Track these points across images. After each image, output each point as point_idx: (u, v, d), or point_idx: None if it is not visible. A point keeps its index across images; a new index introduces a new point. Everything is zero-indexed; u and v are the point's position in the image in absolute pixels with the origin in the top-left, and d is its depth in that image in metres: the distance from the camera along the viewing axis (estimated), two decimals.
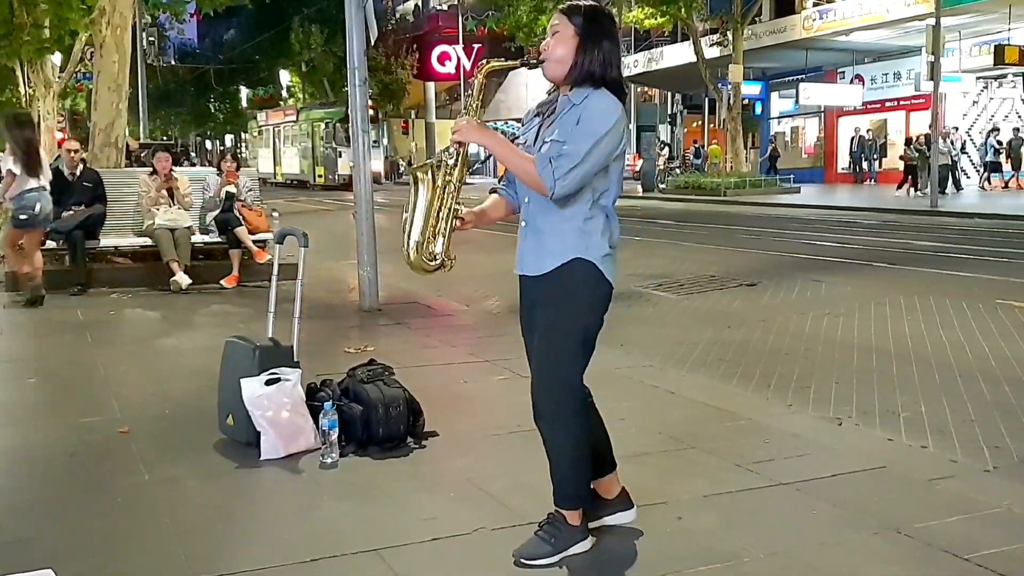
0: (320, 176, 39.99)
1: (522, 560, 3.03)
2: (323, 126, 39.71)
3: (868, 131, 31.02)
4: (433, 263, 3.03)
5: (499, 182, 3.21)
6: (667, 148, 37.63)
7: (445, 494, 3.71)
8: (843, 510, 3.48)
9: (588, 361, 3.04)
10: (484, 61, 3.10)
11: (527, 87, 49.71)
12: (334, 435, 4.02)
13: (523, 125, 3.15)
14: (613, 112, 2.89)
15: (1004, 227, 14.80)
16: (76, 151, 9.60)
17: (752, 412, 4.86)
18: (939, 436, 4.69)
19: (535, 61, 3.02)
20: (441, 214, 3.01)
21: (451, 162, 2.99)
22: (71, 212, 9.16)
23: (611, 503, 3.25)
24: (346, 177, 30.55)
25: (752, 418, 4.73)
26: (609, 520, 3.24)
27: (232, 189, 9.76)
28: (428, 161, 3.03)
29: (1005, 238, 14.20)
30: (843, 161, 33.12)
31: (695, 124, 42.59)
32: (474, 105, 3.01)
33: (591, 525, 3.18)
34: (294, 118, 44.15)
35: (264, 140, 49.94)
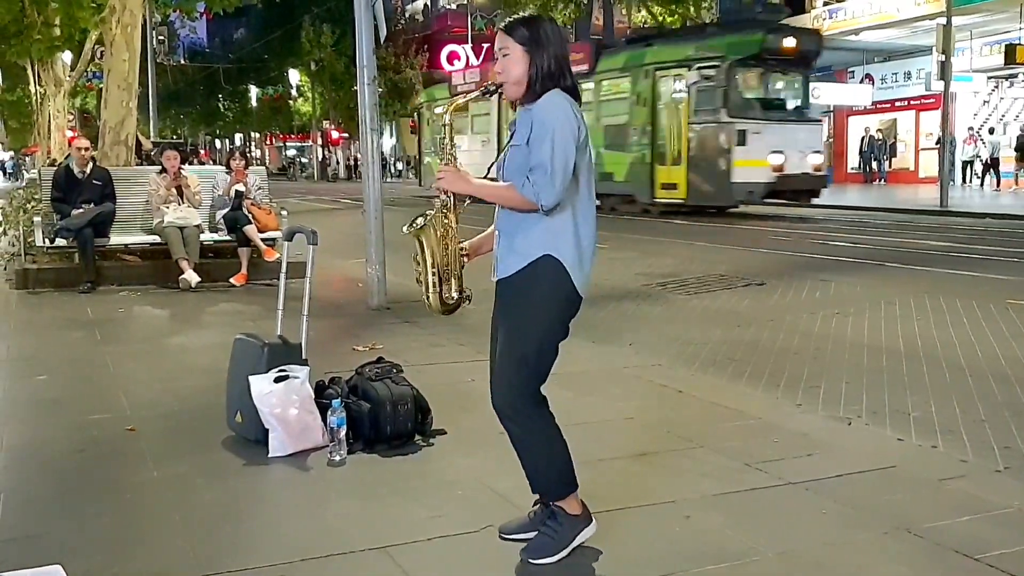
0: (677, 186, 19.67)
1: (529, 560, 3.03)
2: (687, 78, 19.48)
3: (878, 131, 30.91)
4: (451, 303, 3.11)
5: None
6: None
7: (453, 492, 3.71)
8: (852, 510, 3.46)
9: (548, 371, 3.02)
10: (448, 102, 3.14)
11: None
12: (342, 433, 4.02)
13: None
14: (558, 104, 2.89)
15: (1015, 227, 14.74)
16: (86, 149, 9.63)
17: (761, 411, 4.85)
18: (949, 436, 4.67)
19: (494, 87, 3.02)
20: (448, 259, 3.07)
21: (445, 207, 3.04)
22: (81, 210, 9.18)
23: (579, 519, 3.19)
24: (770, 186, 18.69)
25: (761, 417, 4.71)
26: (580, 539, 3.16)
27: (241, 187, 9.78)
28: (423, 217, 3.06)
29: (1016, 238, 14.13)
30: (853, 161, 33.03)
31: None
32: (449, 150, 3.06)
33: (569, 550, 3.14)
34: (586, 67, 21.64)
35: (475, 123, 27.15)
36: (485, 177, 3.10)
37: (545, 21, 3.01)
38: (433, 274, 3.07)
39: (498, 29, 3.01)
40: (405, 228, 3.09)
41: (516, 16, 3.00)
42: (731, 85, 19.08)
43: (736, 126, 18.73)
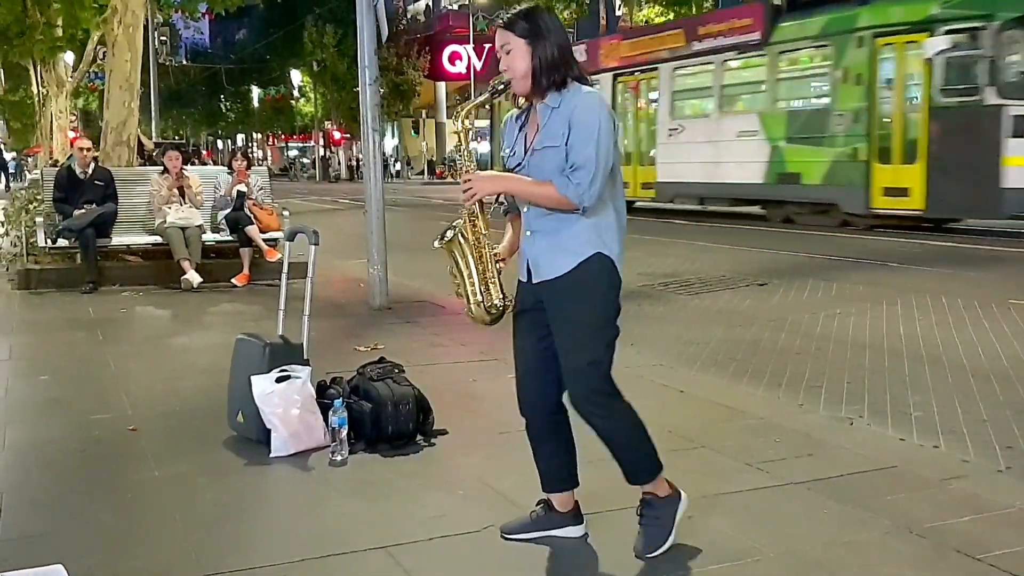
0: (909, 192, 15.05)
1: (646, 556, 3.05)
2: (930, 45, 14.61)
3: None
4: (496, 311, 3.07)
5: (496, 201, 3.18)
6: None
7: (454, 492, 3.71)
8: (854, 510, 3.46)
9: (615, 350, 3.02)
10: (458, 109, 3.12)
11: None
12: (344, 433, 4.03)
13: (503, 138, 3.13)
14: (597, 102, 2.91)
15: (1018, 226, 14.71)
16: (88, 149, 9.63)
17: (763, 411, 4.85)
18: (951, 436, 4.66)
19: (503, 86, 3.01)
20: (485, 266, 3.05)
21: (473, 216, 3.03)
22: (83, 210, 9.19)
23: (563, 516, 3.22)
24: None
25: (763, 417, 4.71)
26: (557, 533, 3.21)
27: (243, 188, 9.79)
28: (453, 228, 3.05)
29: (1018, 237, 14.11)
30: None
31: None
32: (468, 157, 3.06)
33: (537, 535, 3.20)
34: (756, 35, 17.32)
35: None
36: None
37: (542, 11, 3.00)
38: (471, 284, 3.05)
39: (496, 26, 3.01)
40: (436, 243, 3.06)
41: (512, 11, 2.97)
42: (1001, 54, 14.07)
43: (1009, 110, 13.90)
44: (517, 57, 2.92)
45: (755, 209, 18.75)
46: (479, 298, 3.06)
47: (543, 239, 3.00)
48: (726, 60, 18.17)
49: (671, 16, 30.31)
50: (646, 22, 31.95)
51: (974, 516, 3.38)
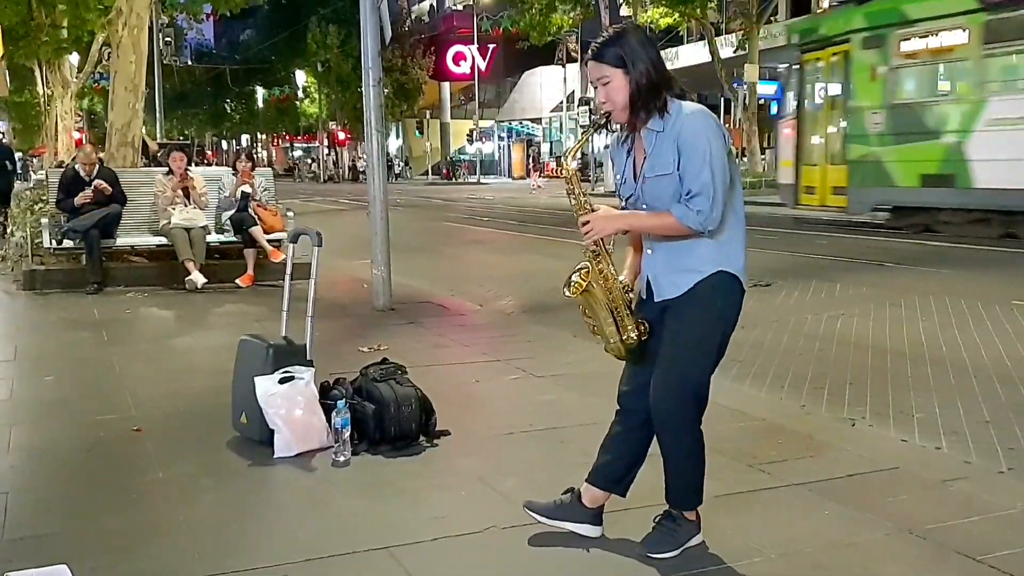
0: None
1: (647, 554, 3.07)
2: None
3: None
4: (633, 343, 3.03)
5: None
6: None
7: (456, 493, 3.72)
8: (855, 511, 3.47)
9: (713, 370, 3.03)
10: (563, 154, 3.09)
11: (541, 87, 49.79)
12: (346, 433, 4.04)
13: (611, 159, 3.11)
14: (702, 119, 2.85)
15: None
16: (92, 165, 9.54)
17: (765, 412, 4.85)
18: (953, 437, 4.67)
19: (603, 120, 2.97)
20: (618, 303, 3.02)
21: (597, 255, 3.00)
22: (87, 194, 9.19)
23: (586, 512, 3.22)
24: None
25: (765, 418, 4.72)
26: (573, 528, 3.21)
27: (247, 189, 9.81)
28: (577, 273, 3.03)
29: (1021, 237, 14.07)
30: None
31: None
32: (581, 200, 2.99)
33: (553, 525, 3.22)
34: None
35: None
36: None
37: (630, 32, 2.93)
38: (608, 326, 3.02)
39: (588, 60, 2.96)
40: (566, 291, 3.04)
41: (600, 38, 2.91)
42: None
43: None
44: (615, 89, 2.87)
45: (756, 209, 17.65)
46: (618, 336, 3.03)
47: (663, 256, 2.98)
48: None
49: (676, 16, 30.27)
50: (651, 23, 31.94)
51: (976, 517, 3.39)
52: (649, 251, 3.02)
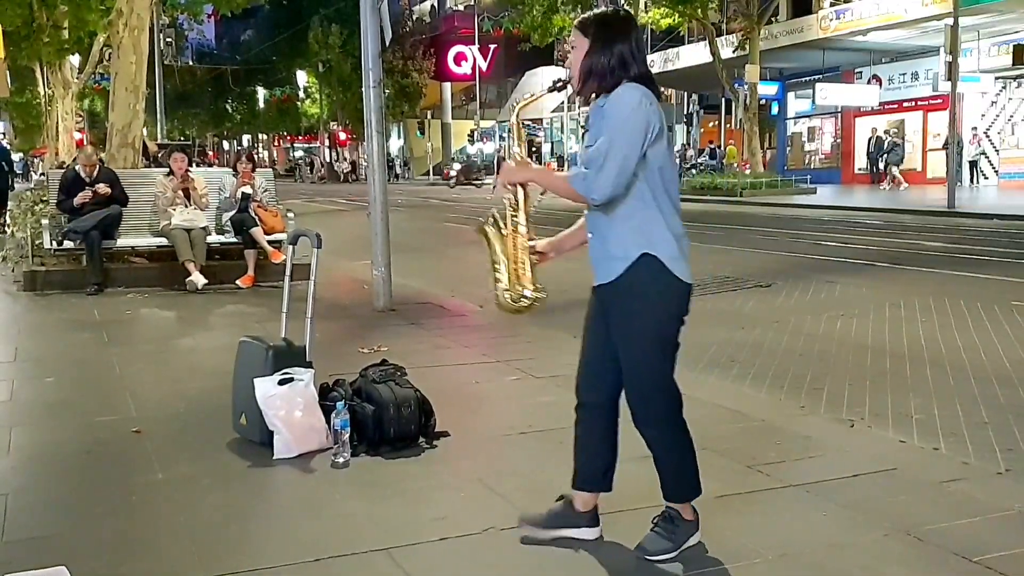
0: None
1: (645, 557, 3.08)
2: None
3: (885, 131, 30.87)
4: (525, 301, 3.11)
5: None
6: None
7: (456, 494, 3.73)
8: (854, 512, 3.47)
9: (674, 361, 3.06)
10: (515, 102, 3.18)
11: (542, 88, 49.72)
12: (346, 435, 4.04)
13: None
14: (630, 99, 2.88)
15: (1021, 227, 14.69)
16: (93, 167, 9.55)
17: (764, 413, 4.86)
18: (951, 438, 4.67)
19: (562, 83, 3.08)
20: (516, 255, 3.08)
21: (512, 205, 3.07)
22: (88, 193, 9.19)
23: (580, 516, 3.23)
24: None
25: (764, 419, 4.72)
26: (572, 533, 3.22)
27: (248, 190, 9.82)
28: (490, 214, 3.11)
29: (1021, 239, 14.10)
30: (860, 162, 32.98)
31: (711, 124, 42.49)
32: (519, 149, 3.11)
33: (552, 533, 3.21)
34: None
35: None
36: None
37: (614, 16, 3.02)
38: (497, 272, 3.10)
39: (574, 25, 3.05)
40: (476, 228, 3.12)
41: (590, 12, 3.03)
42: None
43: None
44: (578, 58, 2.97)
45: (757, 209, 18.53)
46: (504, 286, 3.10)
47: (598, 243, 3.03)
48: None
49: (676, 17, 30.25)
50: (651, 23, 31.93)
51: (973, 518, 3.40)
52: (590, 235, 3.07)
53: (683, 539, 3.11)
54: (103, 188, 9.24)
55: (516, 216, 3.08)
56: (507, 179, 3.04)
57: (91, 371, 5.98)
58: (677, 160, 33.44)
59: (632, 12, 31.59)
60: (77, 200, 9.16)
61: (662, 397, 3.04)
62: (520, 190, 3.07)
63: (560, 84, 3.09)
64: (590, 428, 3.18)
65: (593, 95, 2.98)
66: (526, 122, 52.73)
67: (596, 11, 3.04)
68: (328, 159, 58.63)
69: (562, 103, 45.51)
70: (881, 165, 30.38)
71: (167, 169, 9.83)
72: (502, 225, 3.09)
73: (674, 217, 3.01)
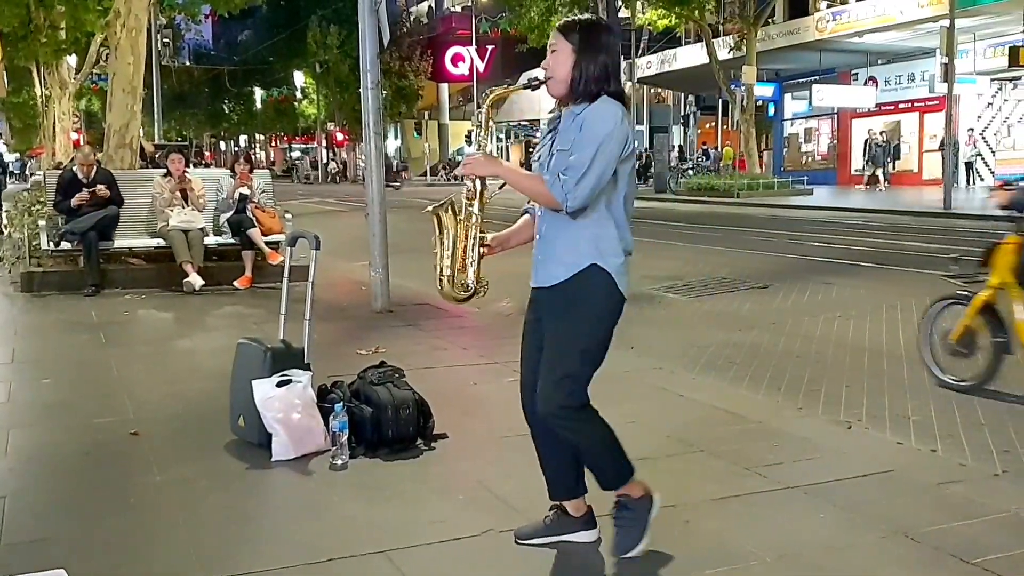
0: None
1: (624, 556, 3.09)
2: None
3: (881, 132, 30.90)
4: (466, 292, 3.12)
5: (528, 202, 3.21)
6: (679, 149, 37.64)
7: (454, 496, 3.73)
8: (851, 514, 3.48)
9: (594, 373, 3.04)
10: (488, 91, 3.15)
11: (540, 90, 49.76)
12: (344, 437, 4.05)
13: (539, 142, 3.17)
14: (613, 115, 2.90)
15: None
16: (90, 166, 9.55)
17: (762, 415, 4.87)
18: (949, 440, 4.68)
19: (537, 83, 3.06)
20: (468, 245, 3.08)
21: (469, 195, 3.06)
22: (85, 212, 9.19)
23: (576, 520, 3.23)
24: None
25: (762, 421, 4.73)
26: (570, 538, 3.22)
27: (246, 191, 9.81)
28: (447, 199, 3.10)
29: None
30: (857, 163, 33.03)
31: (708, 125, 42.53)
32: (483, 137, 3.08)
33: (550, 541, 3.21)
34: None
35: None
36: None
37: (602, 27, 3.02)
38: (444, 258, 3.10)
39: (556, 27, 3.04)
40: (428, 208, 3.11)
41: (575, 18, 3.02)
42: None
43: None
44: (560, 61, 2.95)
45: (753, 210, 18.68)
46: (448, 273, 3.10)
47: (544, 244, 3.03)
48: None
49: (673, 19, 30.28)
50: (650, 24, 31.96)
51: (970, 520, 3.41)
52: (537, 235, 3.08)
53: (645, 517, 3.12)
54: (102, 190, 9.24)
55: (471, 207, 3.07)
56: (472, 172, 3.02)
57: (89, 372, 5.98)
58: (675, 161, 33.47)
59: (629, 13, 31.68)
60: (74, 201, 9.15)
61: (576, 402, 3.01)
62: (479, 182, 3.06)
63: (536, 83, 3.07)
64: (547, 440, 3.17)
65: (572, 101, 2.97)
66: (523, 123, 52.85)
67: (579, 17, 3.03)
68: (325, 159, 58.61)
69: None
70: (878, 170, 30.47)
71: (164, 170, 9.82)
72: (458, 212, 3.08)
73: (627, 232, 3.03)
